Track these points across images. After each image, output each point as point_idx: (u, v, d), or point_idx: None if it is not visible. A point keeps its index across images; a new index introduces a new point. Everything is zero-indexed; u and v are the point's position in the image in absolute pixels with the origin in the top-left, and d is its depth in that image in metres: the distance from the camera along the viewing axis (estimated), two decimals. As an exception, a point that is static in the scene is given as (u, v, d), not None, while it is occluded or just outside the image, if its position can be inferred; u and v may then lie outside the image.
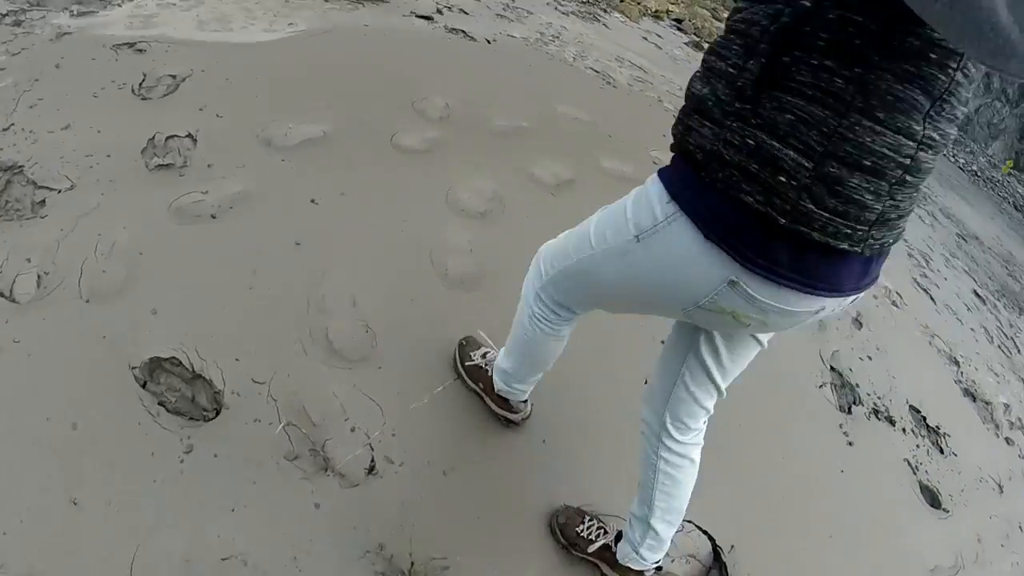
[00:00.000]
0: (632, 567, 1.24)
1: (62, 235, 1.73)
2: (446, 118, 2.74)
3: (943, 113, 0.70)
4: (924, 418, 2.45)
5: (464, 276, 1.98)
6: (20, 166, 1.96)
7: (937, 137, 0.71)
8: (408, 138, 2.49)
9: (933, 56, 0.66)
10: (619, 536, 1.29)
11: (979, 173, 10.11)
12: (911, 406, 2.47)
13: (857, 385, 2.38)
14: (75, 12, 3.03)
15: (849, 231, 0.72)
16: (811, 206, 0.70)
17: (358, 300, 1.76)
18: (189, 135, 2.19)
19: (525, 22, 4.46)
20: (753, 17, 0.73)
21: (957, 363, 3.03)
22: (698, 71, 0.82)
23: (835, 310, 0.83)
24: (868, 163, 0.69)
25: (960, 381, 2.91)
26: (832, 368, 2.40)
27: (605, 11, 5.67)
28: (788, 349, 2.30)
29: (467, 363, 1.57)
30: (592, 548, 1.31)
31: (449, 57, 3.29)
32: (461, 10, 4.12)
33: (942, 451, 2.37)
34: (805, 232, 0.71)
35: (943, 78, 0.68)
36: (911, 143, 0.69)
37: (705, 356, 0.99)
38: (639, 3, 6.25)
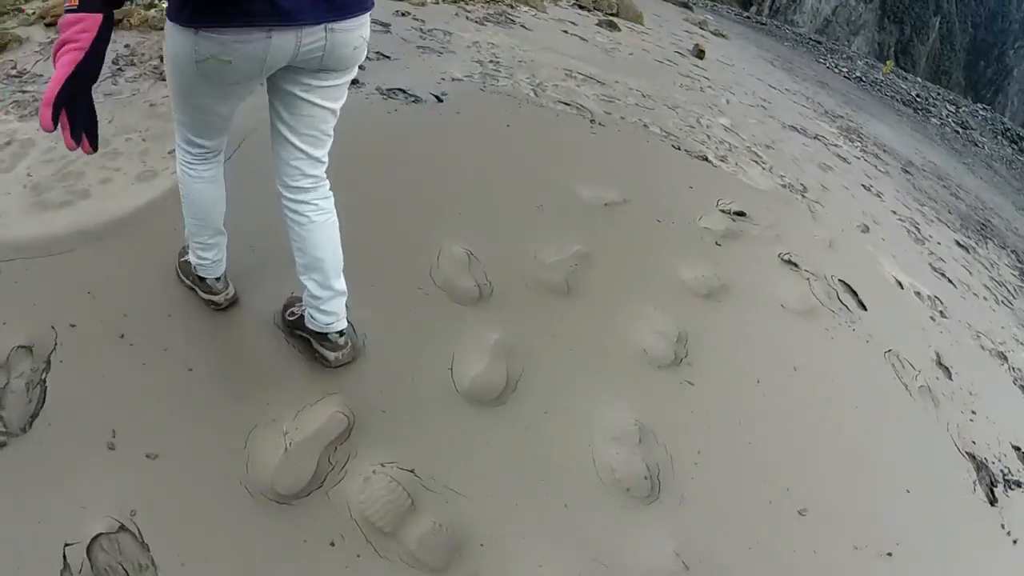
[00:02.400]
0: (311, 328, 1.41)
1: None
2: (486, 287, 1.84)
3: None
4: (1026, 456, 2.32)
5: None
6: None
7: None
8: (467, 368, 1.57)
9: None
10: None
11: (863, 78, 10.57)
12: (1015, 447, 2.30)
13: (984, 460, 2.15)
14: None
15: None
16: None
17: None
18: (122, 526, 1.10)
19: (453, 50, 3.53)
20: None
21: (1005, 357, 2.92)
22: None
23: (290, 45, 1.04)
24: None
25: (1017, 380, 2.80)
26: (971, 456, 2.14)
27: (512, 7, 4.83)
28: (941, 476, 1.99)
29: (181, 259, 1.59)
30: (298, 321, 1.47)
31: (413, 150, 2.38)
32: (381, 54, 3.12)
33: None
34: None
35: None
36: None
37: (275, 122, 1.23)
38: (532, -13, 5.52)
